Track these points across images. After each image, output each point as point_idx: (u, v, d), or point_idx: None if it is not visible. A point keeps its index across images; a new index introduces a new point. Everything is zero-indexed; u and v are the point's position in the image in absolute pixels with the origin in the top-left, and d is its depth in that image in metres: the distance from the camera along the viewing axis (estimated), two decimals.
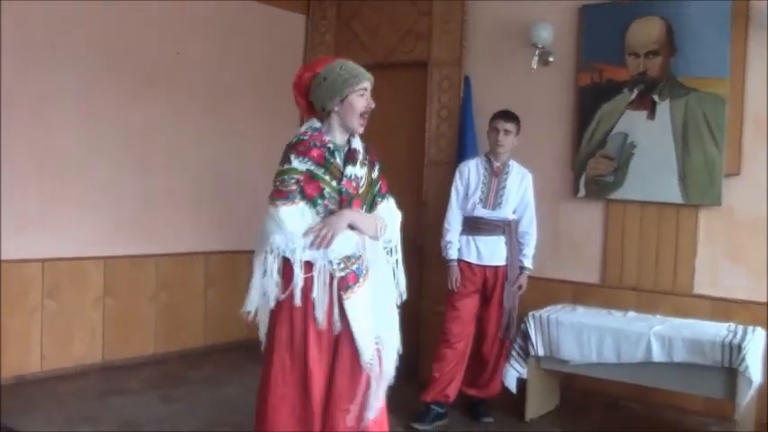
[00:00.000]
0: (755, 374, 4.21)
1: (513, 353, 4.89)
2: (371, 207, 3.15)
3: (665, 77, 5.11)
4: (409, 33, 6.23)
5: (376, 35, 6.42)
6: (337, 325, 2.97)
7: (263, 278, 3.00)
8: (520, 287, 4.89)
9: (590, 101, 5.40)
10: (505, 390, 4.89)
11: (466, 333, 4.85)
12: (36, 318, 5.29)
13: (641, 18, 5.19)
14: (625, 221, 5.33)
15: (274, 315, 3.04)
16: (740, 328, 4.60)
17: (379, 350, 2.99)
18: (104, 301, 5.63)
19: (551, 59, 5.57)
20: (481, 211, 4.83)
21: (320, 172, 3.03)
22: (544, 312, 4.89)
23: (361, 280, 2.99)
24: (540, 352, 4.79)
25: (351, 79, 3.07)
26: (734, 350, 4.21)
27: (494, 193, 4.84)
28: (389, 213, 3.17)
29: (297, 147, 3.05)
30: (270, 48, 6.59)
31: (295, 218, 2.98)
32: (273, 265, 2.98)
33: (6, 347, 5.12)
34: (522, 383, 4.86)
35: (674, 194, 5.08)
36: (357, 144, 3.12)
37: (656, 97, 5.14)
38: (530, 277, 4.96)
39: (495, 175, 4.86)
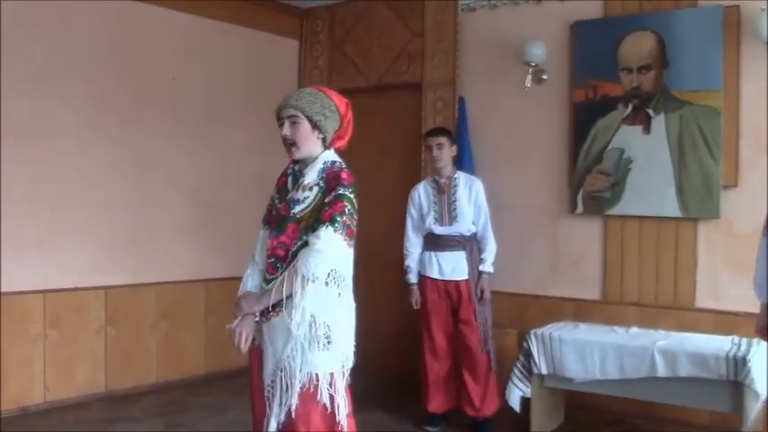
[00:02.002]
0: (762, 387, 4.14)
1: (516, 371, 4.85)
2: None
3: (659, 91, 5.09)
4: (402, 54, 6.25)
5: (369, 58, 6.43)
6: (262, 345, 3.06)
7: None
8: (482, 292, 4.91)
9: (585, 117, 5.38)
10: (509, 408, 4.85)
11: (443, 357, 4.99)
12: (38, 348, 5.23)
13: (633, 33, 5.17)
14: (624, 237, 5.30)
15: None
16: (744, 340, 4.53)
17: (281, 377, 2.98)
18: (106, 330, 5.58)
19: (545, 77, 5.54)
20: (439, 229, 4.94)
21: (276, 198, 3.14)
22: (546, 330, 4.86)
23: (276, 310, 2.97)
24: (544, 370, 4.76)
25: (276, 110, 3.12)
26: (739, 363, 4.16)
27: (446, 210, 4.93)
28: (318, 243, 2.91)
29: (279, 177, 3.19)
30: (265, 73, 6.59)
31: (256, 241, 3.18)
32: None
33: (9, 379, 5.06)
34: (525, 402, 4.82)
35: (672, 208, 5.05)
36: (309, 169, 3.06)
37: (650, 111, 5.13)
38: (531, 296, 4.98)
39: (443, 192, 4.96)
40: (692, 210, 5.00)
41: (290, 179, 3.12)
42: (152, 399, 5.61)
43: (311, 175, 3.03)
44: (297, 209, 3.01)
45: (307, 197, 3.01)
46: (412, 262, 5.04)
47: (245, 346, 3.00)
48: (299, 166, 3.12)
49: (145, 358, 5.82)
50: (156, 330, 5.89)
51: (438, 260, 4.95)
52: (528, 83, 5.53)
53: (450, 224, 4.93)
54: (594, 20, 5.35)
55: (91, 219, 5.49)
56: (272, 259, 3.02)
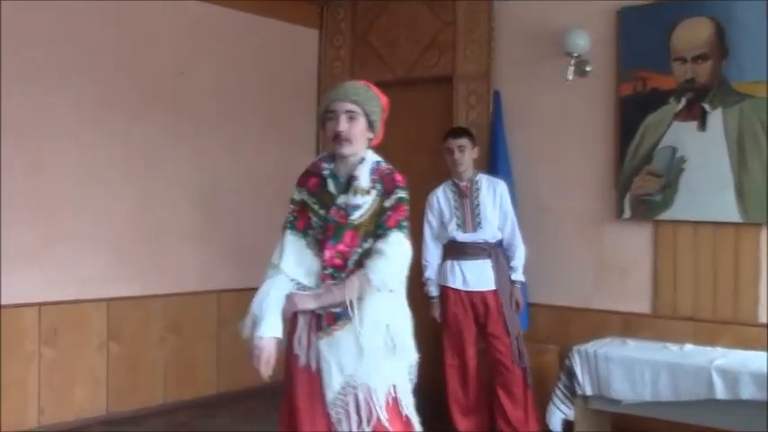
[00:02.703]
0: None
1: (558, 392, 4.86)
2: (375, 239, 3.14)
3: (716, 84, 5.04)
4: (432, 46, 6.26)
5: (395, 49, 6.46)
6: (313, 363, 3.11)
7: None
8: (517, 305, 4.97)
9: (633, 113, 5.35)
10: (548, 429, 4.87)
11: (472, 380, 5.02)
12: (33, 367, 5.23)
13: (687, 19, 5.14)
14: (677, 244, 5.26)
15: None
16: None
17: (355, 395, 3.06)
18: (108, 346, 5.58)
19: (588, 69, 5.52)
20: (462, 236, 4.96)
21: (311, 201, 3.19)
22: (590, 347, 4.84)
23: (340, 323, 3.07)
24: (588, 391, 4.75)
25: (323, 102, 3.19)
26: None
27: (470, 215, 4.96)
28: (389, 250, 3.07)
29: (300, 177, 3.26)
30: (281, 65, 6.62)
31: (279, 248, 3.21)
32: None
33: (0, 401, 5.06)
34: (568, 425, 4.83)
35: (731, 212, 5.00)
36: (361, 170, 3.14)
37: (706, 106, 5.08)
38: (573, 309, 5.14)
39: (465, 196, 4.99)
40: (753, 214, 4.94)
41: (330, 181, 3.16)
42: (158, 422, 5.60)
43: (365, 178, 3.11)
44: (355, 215, 3.10)
45: (365, 202, 3.11)
46: (432, 273, 5.06)
47: (266, 369, 3.06)
48: (336, 166, 3.17)
49: (151, 377, 5.83)
50: (162, 346, 5.90)
51: (461, 269, 4.96)
52: (570, 75, 5.50)
53: (474, 230, 4.95)
54: (643, 5, 5.32)
55: (92, 225, 5.50)
56: (330, 270, 3.12)
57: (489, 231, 4.96)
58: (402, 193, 3.13)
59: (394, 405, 3.06)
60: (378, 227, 3.10)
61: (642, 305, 5.39)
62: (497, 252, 4.99)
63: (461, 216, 4.98)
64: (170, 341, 5.94)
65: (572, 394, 4.80)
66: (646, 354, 4.71)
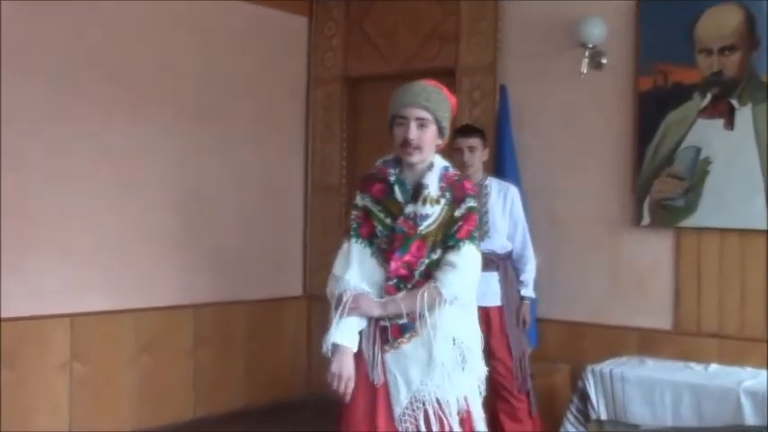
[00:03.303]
0: None
1: (570, 416, 4.88)
2: (444, 251, 3.25)
3: (746, 77, 5.05)
4: (433, 36, 6.25)
5: (393, 39, 6.45)
6: (378, 377, 3.22)
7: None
8: (524, 322, 4.96)
9: (653, 109, 5.37)
10: None
11: None
12: None
13: (714, 7, 5.15)
14: (701, 253, 5.27)
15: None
16: None
17: (424, 409, 3.18)
18: (71, 366, 5.49)
19: (604, 61, 5.52)
20: None
21: (376, 209, 3.28)
22: (606, 366, 4.84)
23: (407, 336, 3.19)
24: (603, 414, 4.77)
25: (391, 108, 3.25)
26: None
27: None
28: (461, 263, 3.20)
29: (363, 181, 3.37)
30: (268, 55, 6.61)
31: (343, 258, 3.30)
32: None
33: None
34: None
35: (760, 219, 5.01)
36: (430, 178, 3.23)
37: (734, 102, 5.08)
38: (586, 324, 5.21)
39: None
40: None
41: (396, 188, 3.24)
42: None
43: (434, 186, 3.21)
44: (424, 225, 3.20)
45: (434, 211, 3.20)
46: None
47: (347, 391, 3.18)
48: (401, 171, 3.27)
49: (120, 401, 5.74)
50: (133, 367, 5.81)
51: None
52: (584, 68, 5.50)
53: (482, 240, 4.77)
54: None
55: (55, 231, 5.41)
56: (395, 280, 3.22)
57: (498, 241, 4.92)
58: (472, 202, 3.24)
59: (467, 418, 3.20)
60: (448, 237, 3.21)
61: (662, 320, 5.39)
62: (506, 264, 4.96)
63: None
64: (142, 361, 5.85)
65: (585, 418, 4.81)
66: (666, 374, 4.71)
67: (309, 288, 6.78)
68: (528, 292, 4.99)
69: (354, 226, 3.30)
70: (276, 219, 6.72)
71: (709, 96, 5.15)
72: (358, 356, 3.23)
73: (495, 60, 5.91)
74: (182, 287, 6.09)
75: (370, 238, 3.28)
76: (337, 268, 3.28)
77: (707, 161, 5.16)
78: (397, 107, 3.19)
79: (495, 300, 4.88)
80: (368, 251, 3.27)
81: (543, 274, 5.22)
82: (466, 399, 3.19)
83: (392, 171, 3.25)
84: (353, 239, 3.28)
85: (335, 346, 3.17)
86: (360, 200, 3.32)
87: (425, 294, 3.14)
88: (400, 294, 3.18)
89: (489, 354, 4.77)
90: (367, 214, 3.29)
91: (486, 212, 4.92)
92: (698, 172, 5.19)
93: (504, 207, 4.96)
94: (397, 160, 3.26)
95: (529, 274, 4.99)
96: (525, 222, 5.01)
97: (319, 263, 6.48)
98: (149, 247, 5.91)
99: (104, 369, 5.63)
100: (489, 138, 5.67)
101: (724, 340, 5.13)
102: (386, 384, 3.20)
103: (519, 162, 5.72)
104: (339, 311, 3.18)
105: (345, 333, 3.18)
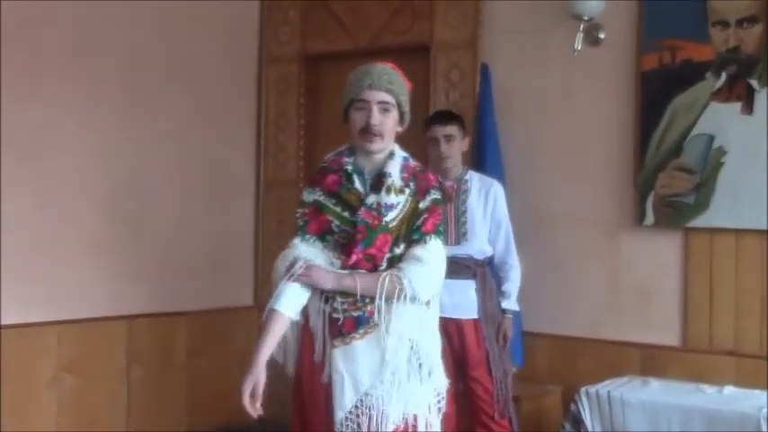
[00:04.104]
0: None
1: None
2: (408, 246, 3.36)
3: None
4: (404, 8, 6.25)
5: (359, 11, 6.43)
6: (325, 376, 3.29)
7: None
8: (504, 339, 4.95)
9: (658, 91, 5.34)
10: None
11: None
12: None
13: None
14: (714, 258, 5.24)
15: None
16: None
17: (369, 415, 3.22)
18: None
19: (602, 36, 5.48)
20: None
21: (330, 203, 3.35)
22: (603, 388, 4.83)
23: (361, 331, 3.24)
24: None
25: (349, 90, 3.35)
26: None
27: (454, 224, 4.94)
28: (428, 258, 3.32)
29: (313, 175, 3.47)
30: (211, 30, 6.52)
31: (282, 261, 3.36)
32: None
33: None
34: None
35: None
36: (392, 166, 3.34)
37: (753, 83, 5.04)
38: (581, 340, 5.25)
39: (449, 199, 4.95)
40: None
41: (355, 177, 3.33)
42: None
43: (396, 175, 3.32)
44: (390, 216, 3.29)
45: (399, 202, 3.31)
46: None
47: (254, 408, 3.30)
48: (357, 161, 3.36)
49: (40, 426, 5.60)
50: (56, 388, 5.67)
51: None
52: (578, 45, 5.45)
53: (458, 243, 4.89)
54: None
55: None
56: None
57: (477, 245, 4.92)
58: (437, 194, 3.39)
59: None
60: (413, 231, 3.33)
61: (669, 335, 5.39)
62: (485, 272, 4.95)
63: (442, 224, 4.79)
64: (65, 381, 5.71)
65: None
66: (674, 397, 4.69)
67: (261, 297, 6.66)
68: (510, 304, 4.97)
69: (301, 224, 3.36)
70: (223, 218, 6.66)
71: (724, 76, 5.13)
72: (306, 348, 3.33)
73: (477, 36, 5.91)
74: (112, 296, 5.97)
75: (323, 235, 3.34)
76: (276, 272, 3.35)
77: (721, 151, 5.14)
78: (356, 90, 3.27)
79: (470, 312, 4.88)
80: (319, 245, 3.34)
81: (531, 282, 5.23)
82: (415, 416, 3.23)
83: (348, 160, 3.35)
84: (298, 239, 3.35)
85: (272, 312, 3.25)
86: (308, 195, 3.39)
87: (386, 280, 3.21)
88: (359, 272, 3.25)
89: (465, 374, 4.90)
90: (318, 210, 3.35)
91: (465, 212, 4.93)
92: (710, 164, 5.17)
93: (486, 206, 4.95)
94: (351, 150, 3.36)
95: (512, 283, 4.99)
96: (509, 224, 5.01)
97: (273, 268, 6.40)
98: (75, 251, 5.81)
99: (20, 391, 5.49)
100: (469, 125, 5.65)
101: (741, 359, 5.11)
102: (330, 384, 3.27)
103: (503, 154, 5.71)
104: (287, 276, 3.24)
105: (288, 301, 3.25)
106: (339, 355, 3.22)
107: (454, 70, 5.97)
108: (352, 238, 3.29)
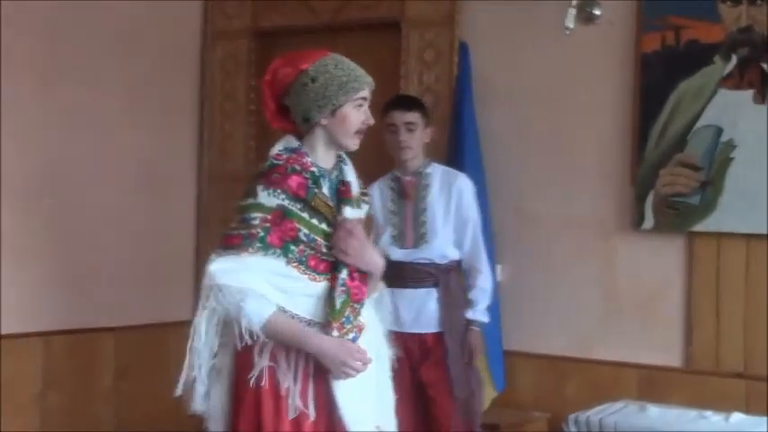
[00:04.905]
0: None
1: None
2: None
3: None
4: None
5: None
6: (312, 412, 3.27)
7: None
8: (470, 354, 4.92)
9: (660, 76, 5.37)
10: None
11: None
12: None
13: None
14: (721, 266, 5.26)
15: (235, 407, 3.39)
16: None
17: None
18: None
19: (597, 13, 5.27)
20: (398, 254, 4.90)
21: (296, 208, 3.28)
22: (594, 414, 4.88)
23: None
24: None
25: (349, 84, 3.33)
26: None
27: (411, 224, 4.96)
28: None
29: (268, 175, 3.31)
30: (150, 6, 6.44)
31: (251, 274, 3.26)
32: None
33: None
34: None
35: None
36: (349, 173, 3.42)
37: (767, 67, 5.07)
38: (570, 360, 5.29)
39: (407, 196, 4.98)
40: None
41: (322, 182, 3.35)
42: None
43: (355, 184, 3.44)
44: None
45: (362, 214, 3.46)
46: None
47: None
48: (324, 163, 3.39)
49: None
50: None
51: (395, 302, 4.65)
52: (570, 22, 5.24)
53: (417, 246, 4.92)
54: None
55: None
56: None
57: (439, 248, 4.91)
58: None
59: None
60: None
61: (670, 355, 5.40)
62: (448, 279, 4.94)
63: (399, 224, 4.94)
64: None
65: None
66: (675, 425, 4.74)
67: None
68: (477, 314, 4.91)
69: (261, 234, 3.24)
70: (159, 218, 6.60)
71: (734, 60, 5.15)
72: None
73: (454, 10, 5.93)
74: (25, 310, 5.89)
75: (284, 247, 3.27)
76: (241, 281, 3.24)
77: (730, 145, 5.16)
78: (362, 82, 3.34)
79: (430, 325, 4.88)
80: (282, 260, 3.26)
81: (512, 294, 5.36)
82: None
83: (311, 160, 3.34)
84: (259, 253, 3.23)
85: (274, 317, 3.18)
86: (268, 198, 3.27)
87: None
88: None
89: (424, 393, 4.90)
90: (282, 216, 3.27)
91: (425, 210, 4.93)
92: (718, 159, 5.19)
93: (449, 203, 4.95)
94: (312, 148, 3.38)
95: (479, 291, 4.93)
96: (478, 223, 4.99)
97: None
98: None
99: None
100: (444, 113, 5.85)
101: (751, 382, 5.12)
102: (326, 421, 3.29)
103: (483, 146, 5.73)
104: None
105: (265, 300, 3.19)
106: (338, 384, 3.26)
107: (429, 50, 5.99)
108: (320, 250, 3.29)
